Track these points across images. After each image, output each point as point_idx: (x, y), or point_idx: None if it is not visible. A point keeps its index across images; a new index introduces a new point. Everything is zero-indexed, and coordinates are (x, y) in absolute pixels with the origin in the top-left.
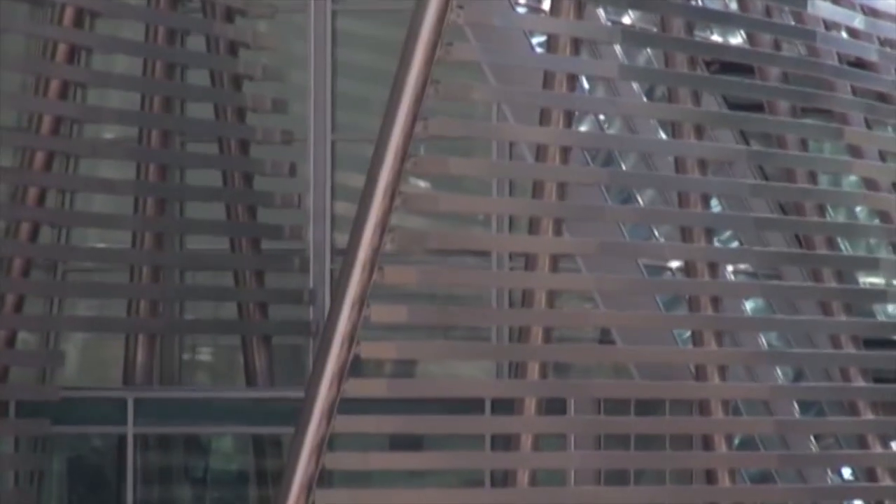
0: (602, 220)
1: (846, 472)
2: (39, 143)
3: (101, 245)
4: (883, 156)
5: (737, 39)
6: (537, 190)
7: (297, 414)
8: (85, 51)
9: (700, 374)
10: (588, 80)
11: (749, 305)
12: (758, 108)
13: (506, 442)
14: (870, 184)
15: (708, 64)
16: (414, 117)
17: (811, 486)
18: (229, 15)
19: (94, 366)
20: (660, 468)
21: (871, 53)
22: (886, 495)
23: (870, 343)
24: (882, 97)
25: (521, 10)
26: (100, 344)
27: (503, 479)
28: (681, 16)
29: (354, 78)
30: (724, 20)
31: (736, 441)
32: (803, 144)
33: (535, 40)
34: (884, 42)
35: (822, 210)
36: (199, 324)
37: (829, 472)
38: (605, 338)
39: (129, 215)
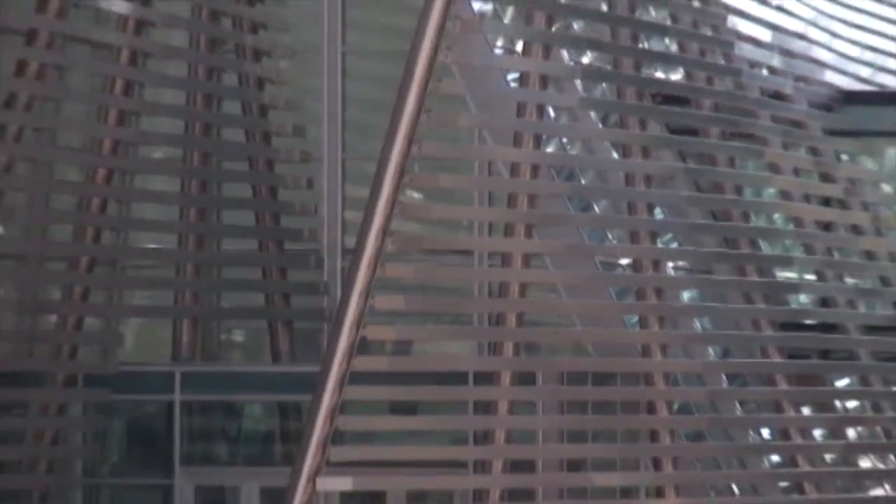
0: (565, 226)
1: (765, 433)
2: (101, 162)
3: (153, 245)
4: (797, 171)
5: (677, 75)
6: (511, 200)
7: (314, 384)
8: (138, 85)
9: (645, 351)
10: (553, 109)
11: (686, 296)
12: (693, 132)
13: (485, 407)
14: (786, 195)
15: (653, 96)
16: (410, 140)
17: (736, 444)
18: (257, 56)
19: (146, 345)
20: (612, 429)
21: (787, 87)
22: (798, 451)
23: (784, 326)
24: (796, 123)
25: (498, 51)
26: (152, 327)
27: (483, 437)
28: (630, 56)
29: (361, 107)
30: (666, 60)
31: (675, 407)
32: (731, 162)
33: (509, 76)
34: (797, 78)
35: (746, 217)
36: (234, 311)
37: (751, 433)
38: (567, 322)
39: (175, 221)
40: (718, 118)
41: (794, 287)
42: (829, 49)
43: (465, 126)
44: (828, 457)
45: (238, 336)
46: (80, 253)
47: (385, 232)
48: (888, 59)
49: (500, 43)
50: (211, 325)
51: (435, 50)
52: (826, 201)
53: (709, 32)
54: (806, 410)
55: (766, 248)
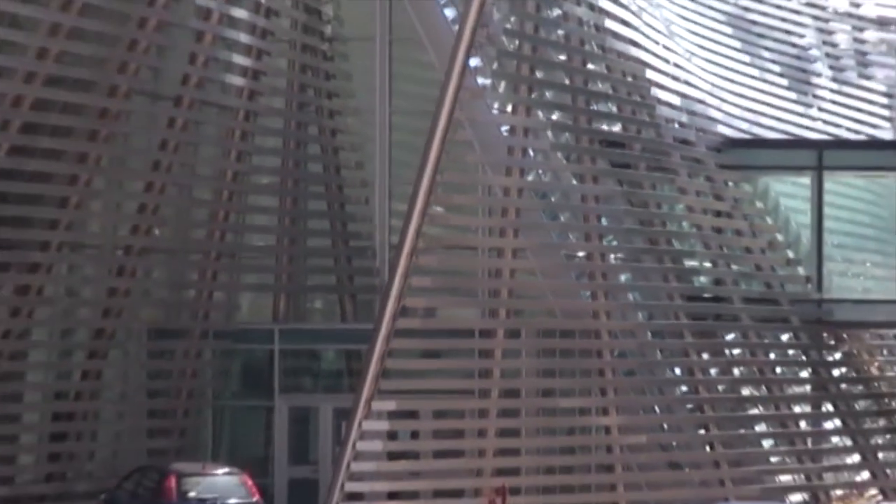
0: (540, 230)
1: (677, 371)
2: (225, 186)
3: (260, 243)
4: (698, 193)
5: (616, 127)
6: (504, 212)
7: (370, 338)
8: (251, 134)
9: (595, 315)
10: (532, 150)
11: (622, 277)
12: (627, 166)
13: (486, 353)
14: (690, 209)
15: (600, 141)
16: (435, 171)
17: (657, 378)
18: (331, 114)
19: (256, 311)
20: (572, 368)
21: (691, 136)
22: (699, 383)
23: (690, 298)
24: (697, 160)
25: (495, 111)
26: (259, 298)
27: (484, 374)
28: (584, 115)
29: (402, 149)
30: (608, 117)
31: (615, 353)
32: (653, 187)
33: (503, 128)
34: (698, 129)
35: (663, 223)
36: (315, 287)
37: (668, 371)
38: (542, 295)
39: (275, 226)
40: (644, 156)
41: (696, 271)
42: (719, 109)
43: (472, 162)
44: (720, 387)
45: (318, 304)
46: (211, 248)
47: (418, 234)
48: (759, 116)
49: (496, 105)
50: (299, 297)
51: (452, 110)
52: (718, 213)
53: (637, 98)
54: (705, 356)
55: (677, 244)
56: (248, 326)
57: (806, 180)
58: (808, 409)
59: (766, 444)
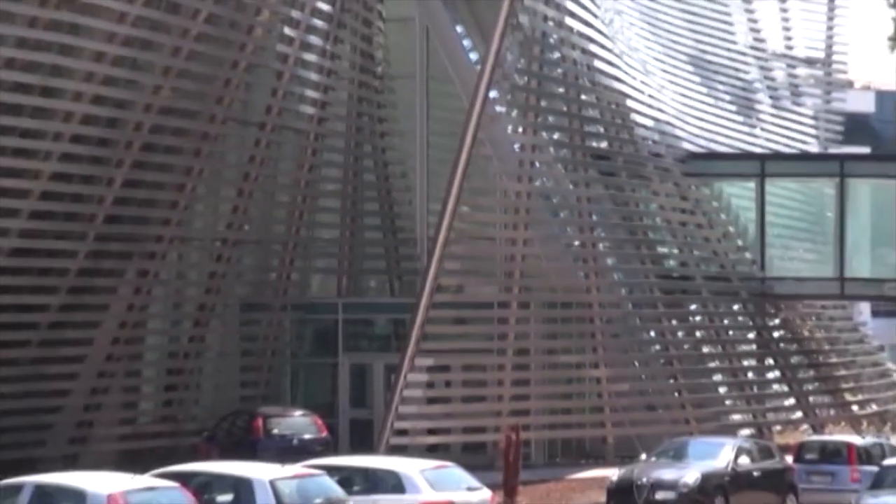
0: (545, 224)
1: (651, 333)
2: (298, 192)
3: (327, 236)
4: (668, 195)
5: (603, 144)
6: (516, 211)
7: (412, 309)
8: (320, 151)
9: (588, 290)
10: (539, 162)
11: (609, 260)
12: (612, 174)
13: (502, 320)
14: (662, 208)
15: (591, 155)
16: (462, 179)
17: (637, 339)
18: (382, 135)
19: (324, 288)
20: (571, 332)
21: (662, 150)
22: (670, 344)
23: (662, 277)
24: (666, 170)
25: (509, 131)
26: (326, 279)
27: (501, 336)
28: (578, 134)
29: (437, 163)
30: (598, 136)
31: (604, 319)
32: (633, 190)
33: (515, 145)
34: (668, 145)
35: (641, 219)
36: (370, 269)
37: (645, 334)
38: (546, 275)
39: (338, 222)
40: (625, 167)
41: (666, 256)
42: (683, 129)
43: (491, 172)
44: (685, 346)
45: (372, 283)
46: (289, 240)
47: (450, 228)
48: (714, 135)
49: (510, 127)
50: (358, 277)
51: (476, 132)
52: (683, 211)
53: (619, 121)
54: (674, 322)
55: (651, 235)
56: (317, 301)
57: (751, 185)
58: (754, 363)
59: (722, 390)
